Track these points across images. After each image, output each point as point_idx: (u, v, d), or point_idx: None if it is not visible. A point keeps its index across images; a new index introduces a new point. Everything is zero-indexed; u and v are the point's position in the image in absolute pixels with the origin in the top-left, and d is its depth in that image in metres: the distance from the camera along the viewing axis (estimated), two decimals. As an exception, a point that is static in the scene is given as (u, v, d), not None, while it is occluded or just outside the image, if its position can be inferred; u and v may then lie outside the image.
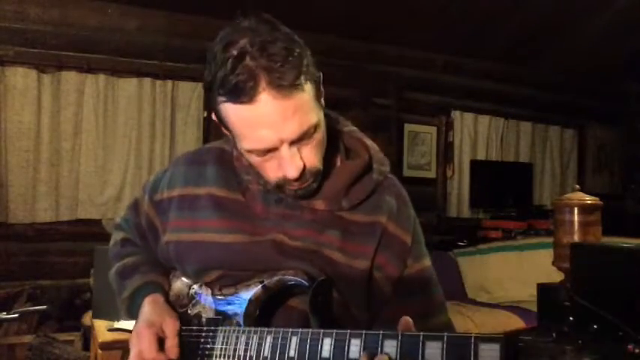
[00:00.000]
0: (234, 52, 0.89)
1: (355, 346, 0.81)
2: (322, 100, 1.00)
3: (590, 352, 0.64)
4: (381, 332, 0.80)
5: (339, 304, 0.99)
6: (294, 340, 0.88)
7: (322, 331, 0.86)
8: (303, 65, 0.92)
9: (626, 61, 5.63)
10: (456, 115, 5.37)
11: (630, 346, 2.47)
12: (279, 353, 0.89)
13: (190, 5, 4.09)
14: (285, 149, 0.94)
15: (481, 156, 5.48)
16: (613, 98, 6.16)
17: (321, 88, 1.00)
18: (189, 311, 1.09)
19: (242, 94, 0.89)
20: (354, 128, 1.15)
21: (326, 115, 1.08)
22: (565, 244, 2.07)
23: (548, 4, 4.74)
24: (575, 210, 2.12)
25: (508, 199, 5.40)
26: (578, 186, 2.31)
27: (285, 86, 0.89)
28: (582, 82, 5.84)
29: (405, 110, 5.16)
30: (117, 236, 1.27)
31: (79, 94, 3.94)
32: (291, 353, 0.87)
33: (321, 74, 0.99)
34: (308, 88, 0.93)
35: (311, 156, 0.97)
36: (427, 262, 1.10)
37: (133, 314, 1.13)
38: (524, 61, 5.49)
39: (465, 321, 3.62)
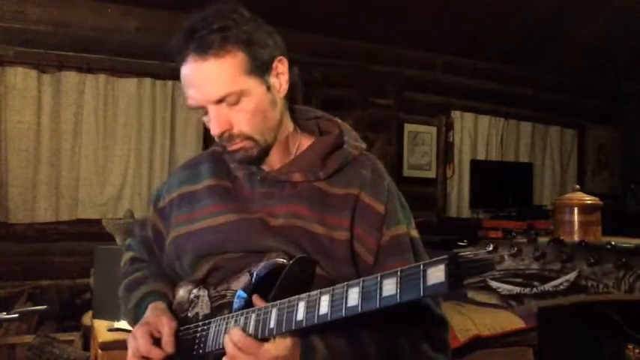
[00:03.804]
0: (189, 25, 1.06)
1: (324, 302, 0.87)
2: (271, 78, 1.09)
3: (526, 255, 0.69)
4: (346, 283, 0.86)
5: (325, 281, 1.01)
6: (274, 312, 0.94)
7: (298, 296, 0.92)
8: (234, 38, 1.03)
9: (625, 61, 5.63)
10: (456, 115, 5.37)
11: (630, 346, 2.46)
12: (262, 326, 0.95)
13: (190, 5, 4.09)
14: (211, 108, 1.06)
15: (481, 156, 5.48)
16: (613, 98, 6.16)
17: (272, 68, 1.09)
18: (189, 314, 1.13)
19: (177, 54, 1.06)
20: (326, 113, 1.26)
21: (297, 109, 1.22)
22: (565, 244, 2.07)
23: (548, 4, 4.75)
24: (575, 210, 2.12)
25: (508, 199, 5.39)
26: (578, 186, 2.31)
27: (205, 51, 1.02)
28: (582, 82, 5.84)
29: (405, 110, 5.16)
30: (126, 256, 1.35)
31: (79, 94, 3.94)
32: (272, 324, 0.94)
33: (277, 57, 1.10)
34: (236, 59, 1.04)
35: (241, 121, 1.07)
36: (402, 228, 1.13)
37: (137, 323, 1.16)
38: (524, 61, 5.49)
39: (464, 320, 3.61)
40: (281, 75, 1.10)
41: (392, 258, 1.08)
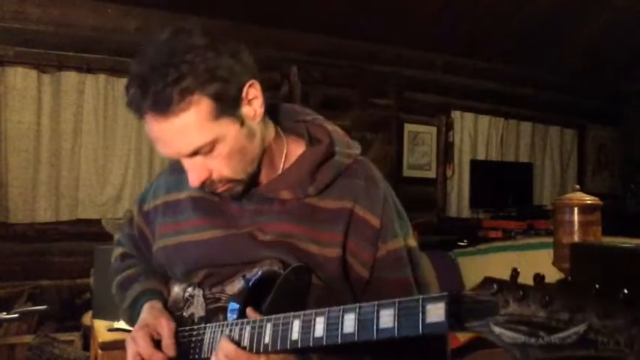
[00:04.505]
0: (139, 75, 0.94)
1: (320, 324, 0.86)
2: (243, 109, 1.00)
3: (533, 300, 0.64)
4: (342, 307, 0.84)
5: (321, 290, 1.01)
6: (269, 327, 0.92)
7: (292, 314, 0.90)
8: (194, 84, 0.92)
9: (625, 61, 5.63)
10: (456, 115, 5.36)
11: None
12: (256, 342, 0.93)
13: (190, 5, 4.09)
14: (185, 161, 1.00)
15: (481, 156, 5.48)
16: (613, 98, 6.16)
17: (243, 97, 0.99)
18: (184, 313, 1.12)
19: (135, 110, 0.96)
20: (319, 116, 1.16)
21: (281, 112, 1.13)
22: (565, 244, 2.07)
23: (548, 4, 4.75)
24: (575, 210, 2.12)
25: (508, 199, 5.40)
26: (578, 186, 2.31)
27: (165, 109, 0.93)
28: (582, 82, 5.83)
29: (405, 110, 5.16)
30: (116, 252, 1.33)
31: (79, 94, 3.93)
32: (266, 340, 0.92)
33: (246, 84, 0.99)
34: (200, 107, 0.94)
35: (219, 167, 1.00)
36: (399, 242, 1.07)
37: (134, 323, 1.15)
38: (524, 61, 5.48)
39: (464, 321, 3.62)
40: (254, 100, 1.01)
41: (389, 273, 1.04)
